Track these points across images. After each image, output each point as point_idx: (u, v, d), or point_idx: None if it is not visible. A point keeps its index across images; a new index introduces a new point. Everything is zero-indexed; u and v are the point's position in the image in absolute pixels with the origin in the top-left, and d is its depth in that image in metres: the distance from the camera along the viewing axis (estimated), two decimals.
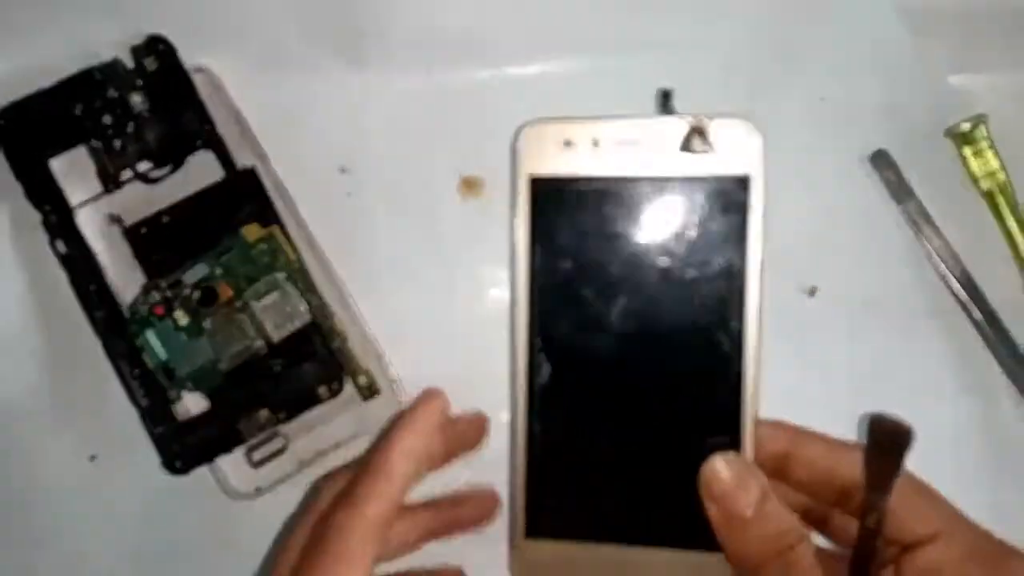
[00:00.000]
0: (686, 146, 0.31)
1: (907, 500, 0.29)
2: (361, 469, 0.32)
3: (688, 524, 0.31)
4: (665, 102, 0.34)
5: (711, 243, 0.32)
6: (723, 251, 0.31)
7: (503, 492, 0.38)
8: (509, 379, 0.33)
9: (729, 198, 0.31)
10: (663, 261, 0.32)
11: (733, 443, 0.31)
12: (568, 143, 0.32)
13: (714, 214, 0.32)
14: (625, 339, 0.32)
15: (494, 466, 0.38)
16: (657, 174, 0.32)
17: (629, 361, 0.32)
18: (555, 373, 0.33)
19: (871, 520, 0.29)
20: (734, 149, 0.31)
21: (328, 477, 0.34)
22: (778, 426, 0.32)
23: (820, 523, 0.33)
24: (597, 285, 0.32)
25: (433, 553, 0.39)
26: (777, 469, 0.31)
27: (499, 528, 0.38)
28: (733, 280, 0.31)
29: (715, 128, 0.31)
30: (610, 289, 0.32)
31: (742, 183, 0.31)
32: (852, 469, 0.31)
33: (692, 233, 0.32)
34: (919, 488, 0.30)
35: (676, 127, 0.31)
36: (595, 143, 0.32)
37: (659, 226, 0.32)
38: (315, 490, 0.33)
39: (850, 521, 0.31)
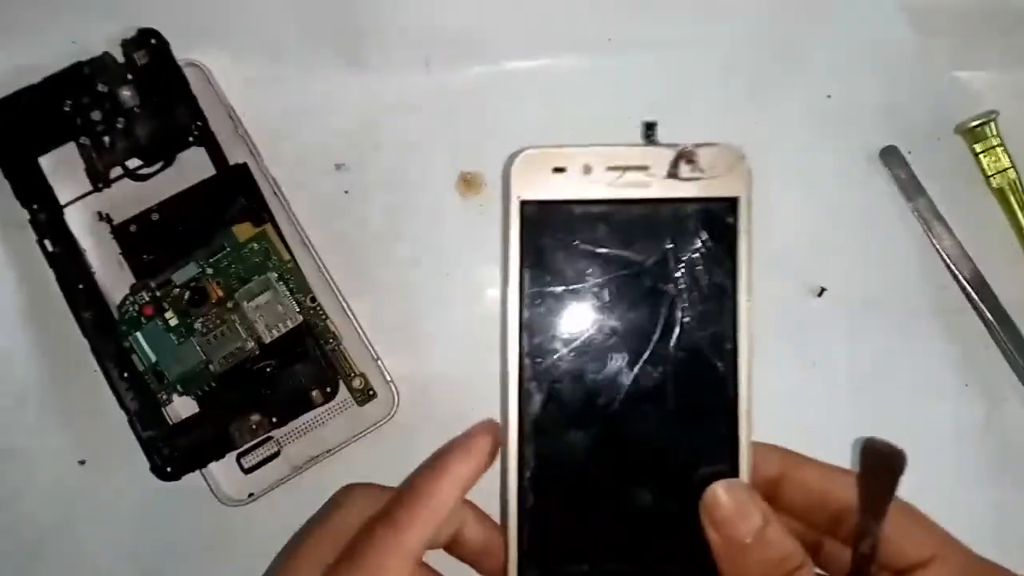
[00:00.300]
0: (673, 173, 0.32)
1: (900, 525, 0.29)
2: (408, 491, 0.30)
3: (686, 554, 0.30)
4: (649, 134, 0.34)
5: (701, 264, 0.32)
6: (713, 272, 0.32)
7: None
8: (500, 410, 0.33)
9: (718, 220, 0.32)
10: (654, 283, 0.32)
11: (731, 468, 0.31)
12: (559, 169, 0.32)
13: (704, 236, 0.32)
14: (617, 364, 0.32)
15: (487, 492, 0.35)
16: (646, 197, 0.32)
17: (621, 387, 0.32)
18: (546, 402, 0.32)
19: (865, 545, 0.29)
20: (722, 172, 0.32)
21: (351, 489, 0.33)
22: (771, 449, 0.31)
23: (811, 551, 0.31)
24: (588, 309, 0.32)
25: None
26: (768, 493, 0.30)
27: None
28: (724, 301, 0.31)
29: (702, 154, 0.32)
30: (601, 313, 0.32)
31: (731, 205, 0.32)
32: (846, 493, 0.30)
33: (682, 255, 0.32)
34: (911, 513, 0.30)
35: (666, 154, 0.32)
36: (586, 169, 0.32)
37: (649, 249, 0.32)
38: (336, 503, 0.32)
39: (842, 549, 0.30)
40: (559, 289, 0.32)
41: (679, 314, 0.32)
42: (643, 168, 0.32)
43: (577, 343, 0.32)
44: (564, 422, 0.32)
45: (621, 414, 0.32)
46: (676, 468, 0.31)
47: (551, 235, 0.32)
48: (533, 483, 0.32)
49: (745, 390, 0.31)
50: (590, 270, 0.32)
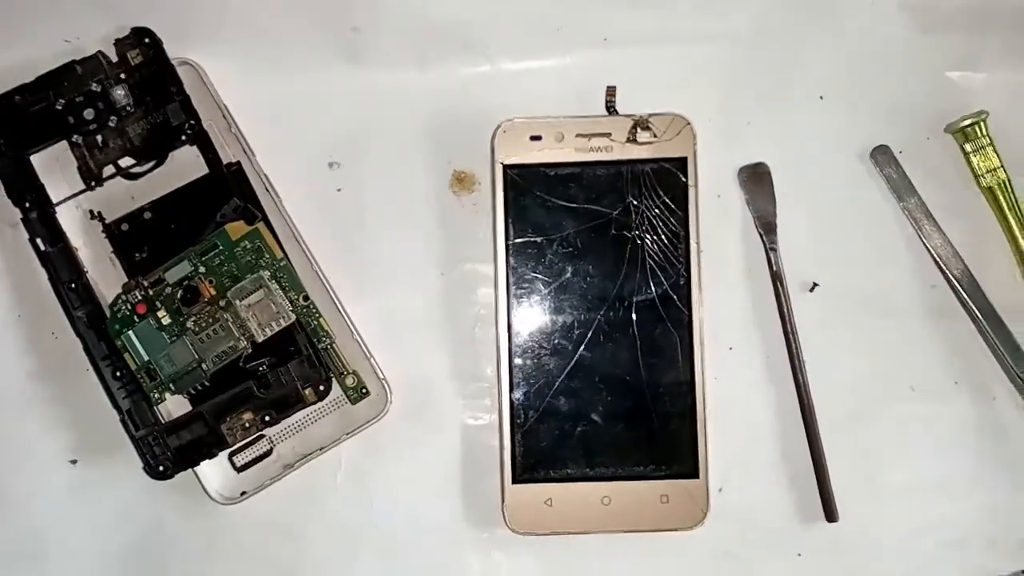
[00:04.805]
0: (632, 138, 0.38)
1: None
2: None
3: (653, 458, 0.38)
4: (610, 100, 0.39)
5: (658, 214, 0.38)
6: (669, 220, 0.38)
7: (492, 453, 0.39)
8: (495, 345, 0.39)
9: (671, 176, 0.38)
10: (619, 231, 0.38)
11: (688, 381, 0.38)
12: (536, 137, 0.38)
13: (660, 190, 0.38)
14: (589, 298, 0.38)
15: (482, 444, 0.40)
16: (610, 159, 0.38)
17: (594, 317, 0.38)
18: (530, 334, 0.38)
19: None
20: (672, 137, 0.38)
21: None
22: None
23: None
24: (564, 254, 0.38)
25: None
26: None
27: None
28: (678, 243, 0.38)
29: (655, 122, 0.38)
30: (574, 257, 0.38)
31: (681, 164, 0.38)
32: None
33: (642, 207, 0.38)
34: None
35: (626, 122, 0.38)
36: (559, 137, 0.38)
37: (614, 202, 0.38)
38: None
39: None
40: (539, 239, 0.38)
41: (641, 256, 0.38)
42: (607, 135, 0.38)
43: (555, 283, 0.38)
44: (545, 352, 0.38)
45: (595, 340, 0.38)
46: (642, 382, 0.38)
47: (530, 193, 0.38)
48: (520, 412, 0.38)
49: (698, 316, 0.38)
50: (564, 222, 0.38)
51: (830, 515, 0.39)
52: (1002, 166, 0.40)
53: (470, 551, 0.40)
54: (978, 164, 0.40)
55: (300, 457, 0.39)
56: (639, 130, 0.38)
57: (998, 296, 0.40)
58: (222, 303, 0.38)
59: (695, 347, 0.38)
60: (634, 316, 0.38)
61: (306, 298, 0.39)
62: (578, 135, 0.38)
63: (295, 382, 0.38)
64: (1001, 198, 0.40)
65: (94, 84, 0.38)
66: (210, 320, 0.38)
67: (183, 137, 0.38)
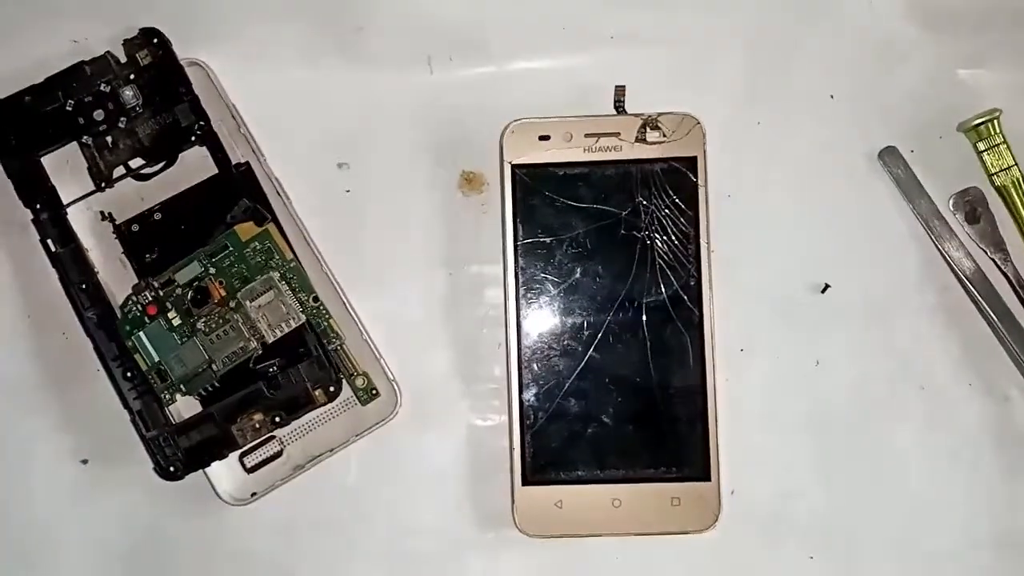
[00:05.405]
0: (641, 138, 0.38)
1: None
2: None
3: (664, 460, 0.38)
4: (619, 100, 0.38)
5: (668, 214, 0.38)
6: (679, 220, 0.38)
7: (502, 454, 0.39)
8: (505, 346, 0.39)
9: (681, 176, 0.38)
10: (629, 232, 0.38)
11: (700, 382, 0.38)
12: (544, 137, 0.38)
13: (669, 190, 0.38)
14: (599, 299, 0.38)
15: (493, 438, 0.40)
16: (619, 159, 0.38)
17: (604, 318, 0.38)
18: (540, 335, 0.38)
19: None
20: (681, 136, 0.38)
21: None
22: None
23: None
24: (573, 254, 0.38)
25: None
26: None
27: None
28: (688, 243, 0.38)
29: (665, 121, 0.38)
30: (584, 257, 0.38)
31: (691, 163, 0.38)
32: None
33: (652, 207, 0.38)
34: None
35: (635, 121, 0.38)
36: (567, 137, 0.38)
37: (623, 202, 0.38)
38: None
39: None
40: (548, 239, 0.38)
41: (651, 256, 0.38)
42: (615, 134, 0.38)
43: (565, 284, 0.38)
44: (555, 353, 0.38)
45: (605, 341, 0.38)
46: (652, 383, 0.38)
47: (539, 193, 0.38)
48: (530, 413, 0.38)
49: (709, 317, 0.38)
50: (573, 222, 0.38)
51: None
52: (1016, 164, 0.39)
53: (479, 553, 0.40)
54: (991, 162, 0.40)
55: (310, 458, 0.39)
56: (648, 129, 0.38)
57: (1011, 295, 0.40)
58: (232, 304, 0.38)
59: (706, 348, 0.38)
60: (644, 317, 0.38)
61: (316, 299, 0.39)
62: (587, 135, 0.38)
63: (305, 383, 0.38)
64: (1015, 196, 0.40)
65: (103, 85, 0.38)
66: (220, 321, 0.38)
67: (192, 138, 0.38)
